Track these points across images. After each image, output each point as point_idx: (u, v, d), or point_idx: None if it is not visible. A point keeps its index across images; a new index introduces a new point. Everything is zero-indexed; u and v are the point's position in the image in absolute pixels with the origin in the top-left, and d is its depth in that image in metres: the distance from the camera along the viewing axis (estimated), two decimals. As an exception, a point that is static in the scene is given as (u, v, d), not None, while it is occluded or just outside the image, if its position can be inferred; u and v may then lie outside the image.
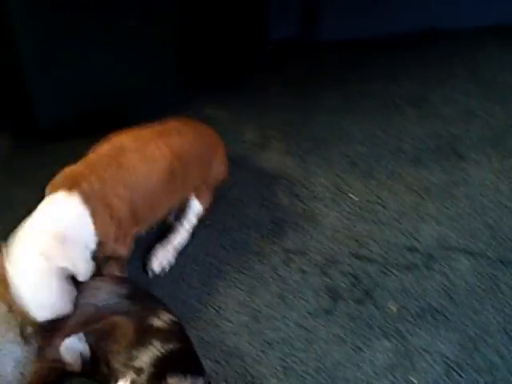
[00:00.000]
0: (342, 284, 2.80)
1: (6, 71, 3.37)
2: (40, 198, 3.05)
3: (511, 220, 3.08)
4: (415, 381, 2.45)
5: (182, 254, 2.91)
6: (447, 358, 2.54)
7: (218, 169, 2.97)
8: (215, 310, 2.71)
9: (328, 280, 2.81)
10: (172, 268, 2.86)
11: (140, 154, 2.55)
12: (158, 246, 2.87)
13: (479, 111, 3.72)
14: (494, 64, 4.02)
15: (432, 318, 2.67)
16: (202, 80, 3.76)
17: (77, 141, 3.43)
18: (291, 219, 3.09)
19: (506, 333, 2.63)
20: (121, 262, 2.59)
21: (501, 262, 2.90)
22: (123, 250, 2.54)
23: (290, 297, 2.75)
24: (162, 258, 2.83)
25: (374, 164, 3.42)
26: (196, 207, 2.90)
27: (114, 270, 2.56)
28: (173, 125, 2.79)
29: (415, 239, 3.01)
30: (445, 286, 2.80)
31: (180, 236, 2.90)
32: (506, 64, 4.00)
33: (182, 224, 2.91)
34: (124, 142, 2.59)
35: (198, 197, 2.88)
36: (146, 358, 2.06)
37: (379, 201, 3.20)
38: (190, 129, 2.85)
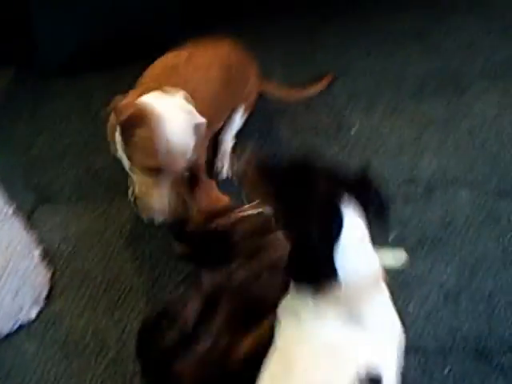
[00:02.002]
0: (341, 216, 2.81)
1: (9, 6, 3.35)
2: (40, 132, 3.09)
3: (511, 153, 3.07)
4: (410, 309, 2.48)
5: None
6: (445, 286, 2.56)
7: (254, 83, 3.06)
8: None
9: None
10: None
11: (193, 65, 2.64)
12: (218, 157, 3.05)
13: (481, 45, 3.67)
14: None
15: (429, 248, 2.69)
16: (207, 14, 3.73)
17: (79, 74, 3.45)
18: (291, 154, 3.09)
19: (503, 263, 2.64)
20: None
21: (500, 193, 2.90)
22: (203, 155, 2.64)
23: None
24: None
25: (375, 98, 3.40)
26: (239, 119, 3.03)
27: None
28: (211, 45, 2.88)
29: (414, 171, 3.01)
30: (443, 216, 2.81)
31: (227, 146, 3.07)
32: (508, -2, 3.96)
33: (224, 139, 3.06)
34: (173, 60, 2.67)
35: (246, 109, 3.03)
36: None
37: (380, 134, 3.20)
38: (232, 46, 2.97)
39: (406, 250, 2.64)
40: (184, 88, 2.40)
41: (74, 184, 2.99)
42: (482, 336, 2.41)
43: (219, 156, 3.04)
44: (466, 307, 2.49)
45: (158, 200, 2.24)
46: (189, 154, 2.26)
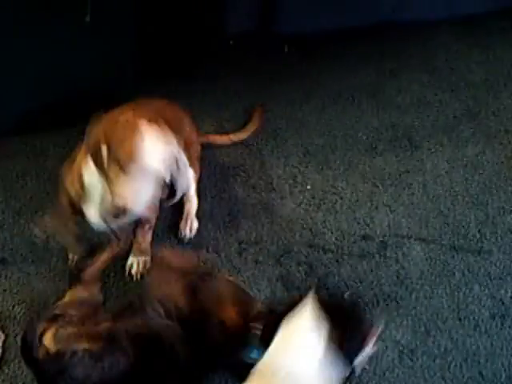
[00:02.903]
0: (297, 273, 2.84)
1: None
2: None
3: (464, 208, 3.13)
4: (367, 367, 2.49)
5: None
6: (400, 343, 2.59)
7: (190, 132, 3.07)
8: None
9: (282, 270, 2.85)
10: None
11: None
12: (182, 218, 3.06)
13: (433, 100, 3.74)
14: (447, 54, 4.04)
15: (385, 305, 2.72)
16: (159, 73, 3.76)
17: (31, 136, 3.45)
18: (247, 211, 3.11)
19: (459, 318, 2.69)
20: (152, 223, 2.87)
21: (453, 248, 2.95)
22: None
23: (244, 286, 2.77)
24: (192, 224, 3.05)
25: (329, 155, 3.44)
26: (191, 174, 3.02)
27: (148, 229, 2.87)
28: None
29: (369, 227, 3.04)
30: (398, 273, 2.85)
31: (192, 203, 3.09)
32: (458, 53, 4.02)
33: (187, 195, 3.07)
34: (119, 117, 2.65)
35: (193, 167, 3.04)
36: None
37: (335, 190, 3.23)
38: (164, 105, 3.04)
39: (362, 306, 2.67)
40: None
41: (28, 246, 2.96)
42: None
43: (185, 214, 3.06)
44: (422, 364, 2.52)
45: (130, 190, 2.33)
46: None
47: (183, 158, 2.54)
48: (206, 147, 3.32)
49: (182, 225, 3.03)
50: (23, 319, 2.67)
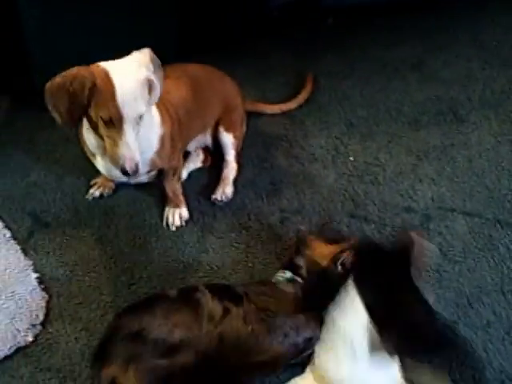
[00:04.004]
0: (338, 243, 2.82)
1: (5, 33, 3.36)
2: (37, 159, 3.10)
3: (509, 182, 3.08)
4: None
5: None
6: (442, 315, 2.55)
7: (231, 96, 3.14)
8: (211, 267, 2.73)
9: (324, 238, 2.83)
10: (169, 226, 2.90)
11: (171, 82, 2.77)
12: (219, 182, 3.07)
13: (480, 75, 3.70)
14: (495, 28, 4.00)
15: (427, 277, 2.68)
16: (203, 47, 3.75)
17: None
18: (289, 180, 3.11)
19: (502, 292, 2.64)
20: (177, 174, 2.89)
21: (498, 222, 2.90)
22: (176, 161, 2.82)
23: (286, 254, 2.76)
24: (224, 189, 3.03)
25: (373, 127, 3.41)
26: (228, 139, 3.11)
27: (172, 179, 2.88)
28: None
29: (412, 200, 3.01)
30: (441, 245, 2.81)
31: (230, 169, 3.12)
32: (507, 28, 3.98)
33: (226, 160, 3.13)
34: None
35: (227, 129, 3.10)
36: None
37: (377, 162, 3.20)
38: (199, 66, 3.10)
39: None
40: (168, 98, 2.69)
41: (70, 209, 2.98)
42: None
43: (221, 179, 3.07)
44: (465, 331, 2.49)
45: (126, 148, 2.34)
46: (143, 103, 2.37)
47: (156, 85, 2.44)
48: (250, 116, 3.32)
49: (217, 188, 3.03)
50: (66, 281, 2.68)
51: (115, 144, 2.35)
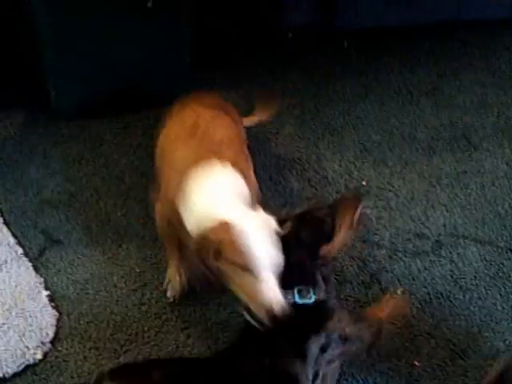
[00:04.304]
0: (350, 268, 2.82)
1: (22, 49, 3.40)
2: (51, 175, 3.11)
3: (523, 213, 3.08)
4: (418, 364, 2.46)
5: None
6: (452, 343, 2.55)
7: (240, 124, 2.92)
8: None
9: (335, 264, 2.82)
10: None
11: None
12: None
13: (494, 102, 3.70)
14: (511, 55, 4.01)
15: (438, 304, 2.68)
16: (217, 66, 3.78)
17: (90, 120, 3.49)
18: (302, 204, 3.09)
19: (512, 320, 2.64)
20: None
21: (510, 250, 2.90)
22: None
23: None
24: None
25: (386, 152, 3.42)
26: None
27: None
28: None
29: (425, 226, 3.01)
30: (452, 272, 2.81)
31: None
32: (523, 56, 4.00)
33: None
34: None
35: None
36: None
37: (391, 188, 3.20)
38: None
39: (415, 304, 2.65)
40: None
41: (82, 227, 2.99)
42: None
43: None
44: (473, 364, 2.48)
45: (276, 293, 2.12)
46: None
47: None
48: (264, 138, 3.33)
49: None
50: (76, 299, 2.68)
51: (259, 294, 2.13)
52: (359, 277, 2.78)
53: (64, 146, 3.38)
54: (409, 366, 2.47)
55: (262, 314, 2.10)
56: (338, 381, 2.35)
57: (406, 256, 2.86)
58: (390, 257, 2.86)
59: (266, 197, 3.10)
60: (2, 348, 2.47)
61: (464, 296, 2.72)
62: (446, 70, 3.95)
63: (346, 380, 2.42)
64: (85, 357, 2.48)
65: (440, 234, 2.97)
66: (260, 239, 2.13)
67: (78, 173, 3.26)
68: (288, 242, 2.17)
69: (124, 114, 3.52)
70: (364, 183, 3.23)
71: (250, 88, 3.61)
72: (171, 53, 3.52)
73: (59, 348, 2.51)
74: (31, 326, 2.53)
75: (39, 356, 2.46)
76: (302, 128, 3.55)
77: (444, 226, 3.01)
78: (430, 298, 2.70)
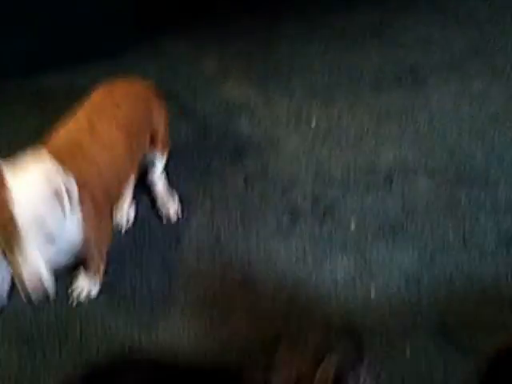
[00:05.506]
0: (303, 204, 2.84)
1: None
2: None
3: (470, 142, 3.12)
4: (373, 295, 2.51)
5: (144, 179, 2.88)
6: (406, 270, 2.59)
7: (159, 120, 2.76)
8: (175, 232, 2.74)
9: (288, 201, 2.85)
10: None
11: (97, 143, 2.41)
12: (158, 202, 2.87)
13: (439, 38, 3.72)
14: (454, -8, 4.05)
15: (391, 234, 2.73)
16: (161, 15, 3.75)
17: (33, 79, 3.43)
18: (252, 146, 3.11)
19: (465, 247, 2.69)
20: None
21: (459, 180, 2.94)
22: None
23: (251, 218, 2.79)
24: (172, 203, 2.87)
25: (334, 92, 3.43)
26: (161, 160, 2.84)
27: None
28: (108, 100, 2.61)
29: (375, 161, 3.04)
30: (404, 204, 2.85)
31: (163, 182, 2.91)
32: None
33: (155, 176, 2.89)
34: (77, 136, 2.41)
35: (161, 151, 2.80)
36: None
37: (340, 126, 3.22)
38: (123, 94, 2.68)
39: (367, 238, 2.69)
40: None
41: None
42: (443, 315, 2.47)
43: (159, 202, 2.87)
44: (427, 290, 2.53)
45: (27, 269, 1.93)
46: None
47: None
48: (212, 84, 3.33)
49: (163, 208, 2.86)
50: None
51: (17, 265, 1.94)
52: (313, 212, 2.81)
53: (9, 104, 3.33)
54: (364, 292, 2.54)
55: (20, 286, 1.94)
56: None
57: (357, 190, 2.90)
58: (343, 192, 2.89)
59: (217, 141, 3.12)
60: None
61: (416, 227, 2.76)
62: (390, 9, 3.95)
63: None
64: (96, 350, 2.41)
65: (390, 168, 3.00)
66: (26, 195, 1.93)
67: (24, 129, 3.18)
68: None
69: (68, 68, 3.46)
70: (313, 124, 3.24)
71: (194, 36, 3.59)
72: (114, 7, 3.48)
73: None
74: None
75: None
76: (249, 73, 3.54)
77: (394, 160, 3.04)
78: (383, 229, 2.74)
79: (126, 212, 2.80)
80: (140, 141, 2.63)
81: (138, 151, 2.64)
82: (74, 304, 2.52)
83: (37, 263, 1.92)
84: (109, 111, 2.54)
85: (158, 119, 2.73)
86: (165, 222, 2.80)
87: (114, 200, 2.49)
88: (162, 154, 2.80)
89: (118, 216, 2.76)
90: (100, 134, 2.42)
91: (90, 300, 2.52)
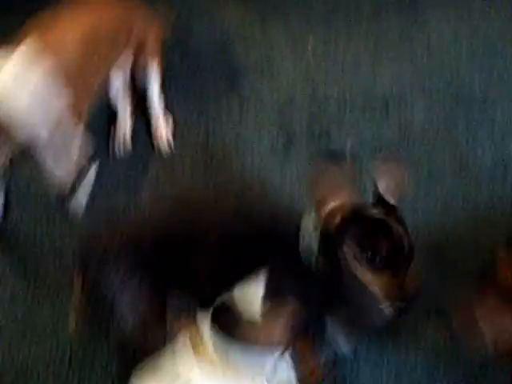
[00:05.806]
0: (298, 123, 2.83)
1: None
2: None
3: (468, 65, 3.08)
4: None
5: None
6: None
7: (145, 34, 2.68)
8: (172, 152, 2.73)
9: (284, 120, 2.83)
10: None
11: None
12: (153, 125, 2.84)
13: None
14: None
15: (387, 153, 2.70)
16: None
17: None
18: (247, 67, 3.08)
19: (461, 166, 2.71)
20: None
21: (458, 105, 2.92)
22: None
23: (246, 138, 2.78)
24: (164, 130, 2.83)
25: (332, 17, 3.35)
26: (155, 78, 2.77)
27: None
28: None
29: (372, 85, 3.01)
30: (400, 124, 2.83)
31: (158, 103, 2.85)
32: None
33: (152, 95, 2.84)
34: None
35: (151, 63, 2.73)
36: None
37: (336, 50, 3.17)
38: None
39: (363, 159, 2.66)
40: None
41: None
42: (439, 240, 2.48)
43: (153, 125, 2.84)
44: (423, 208, 2.52)
45: None
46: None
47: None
48: (209, 9, 3.27)
49: (156, 134, 2.83)
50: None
51: None
52: (309, 130, 2.81)
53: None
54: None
55: None
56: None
57: (354, 111, 2.87)
58: (339, 112, 2.87)
59: (212, 63, 3.08)
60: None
61: (413, 146, 2.75)
62: None
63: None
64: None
65: (387, 93, 2.97)
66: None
67: None
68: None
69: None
70: (309, 48, 3.19)
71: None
72: None
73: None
74: None
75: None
76: (246, 3, 3.47)
77: (391, 84, 3.00)
78: (380, 148, 2.72)
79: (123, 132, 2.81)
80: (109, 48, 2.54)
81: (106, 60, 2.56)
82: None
83: None
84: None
85: (142, 33, 2.63)
86: (157, 144, 2.78)
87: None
88: (153, 67, 2.70)
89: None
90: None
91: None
